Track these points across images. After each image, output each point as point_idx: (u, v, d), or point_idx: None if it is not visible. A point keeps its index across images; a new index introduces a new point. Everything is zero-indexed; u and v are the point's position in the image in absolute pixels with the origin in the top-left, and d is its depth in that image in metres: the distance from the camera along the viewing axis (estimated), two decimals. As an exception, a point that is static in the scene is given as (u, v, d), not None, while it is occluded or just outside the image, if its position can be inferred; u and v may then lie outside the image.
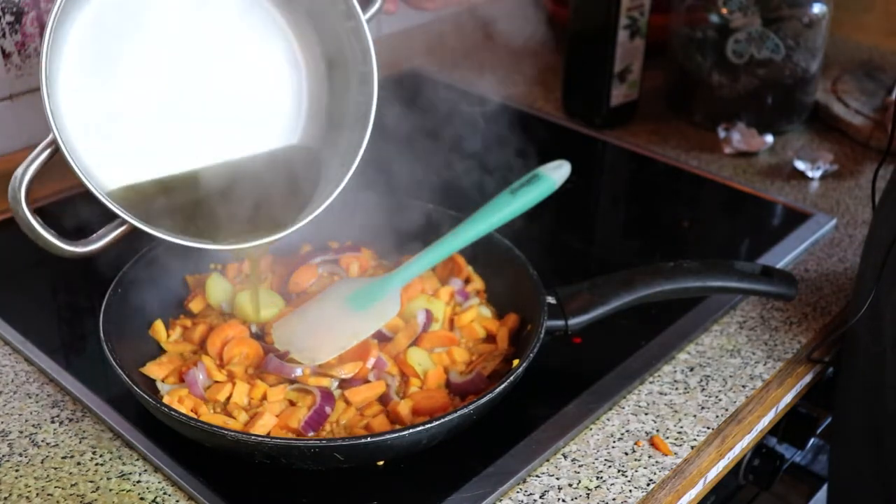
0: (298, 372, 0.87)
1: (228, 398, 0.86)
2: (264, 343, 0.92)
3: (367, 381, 0.88)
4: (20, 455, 0.84)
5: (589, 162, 1.40)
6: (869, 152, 1.37)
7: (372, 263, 1.04)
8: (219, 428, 0.78)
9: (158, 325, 0.93)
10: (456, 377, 0.89)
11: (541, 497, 0.82)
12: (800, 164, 1.32)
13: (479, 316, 0.97)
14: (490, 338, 0.95)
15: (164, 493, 0.81)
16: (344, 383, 0.88)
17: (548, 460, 0.85)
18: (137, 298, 0.94)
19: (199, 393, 0.86)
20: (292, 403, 0.85)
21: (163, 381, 0.88)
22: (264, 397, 0.86)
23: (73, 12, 0.79)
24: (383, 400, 0.87)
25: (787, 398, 0.97)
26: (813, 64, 1.40)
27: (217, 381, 0.88)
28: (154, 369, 0.88)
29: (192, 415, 0.83)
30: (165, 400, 0.84)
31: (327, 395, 0.85)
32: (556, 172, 1.00)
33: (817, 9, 1.35)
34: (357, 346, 0.89)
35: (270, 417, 0.83)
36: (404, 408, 0.85)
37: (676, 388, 0.94)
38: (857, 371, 1.00)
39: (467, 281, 1.01)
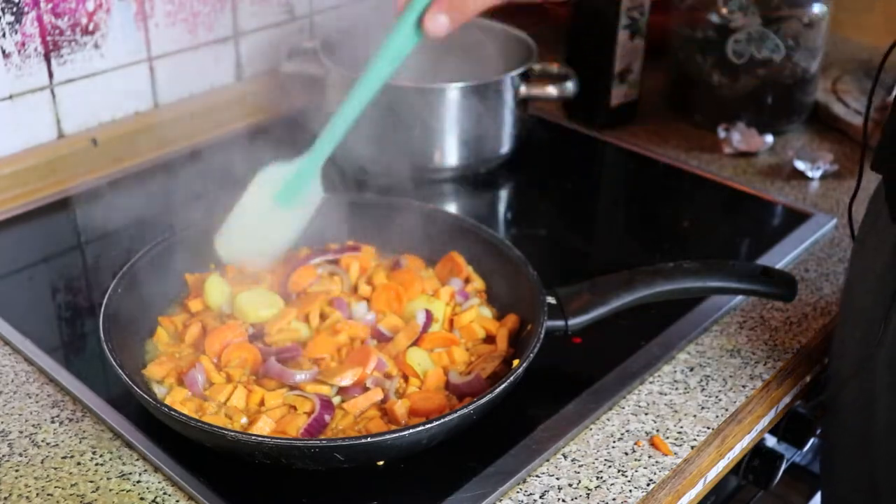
0: (299, 377, 0.87)
1: (228, 398, 0.86)
2: (263, 346, 0.91)
3: (365, 389, 0.87)
4: (20, 455, 0.84)
5: (589, 162, 1.40)
6: (869, 152, 1.36)
7: (372, 263, 1.03)
8: (219, 428, 0.78)
9: (161, 333, 0.94)
10: (455, 378, 0.89)
11: (541, 497, 0.82)
12: (800, 164, 1.32)
13: (478, 316, 0.97)
14: (489, 338, 0.95)
15: (164, 493, 0.81)
16: (342, 391, 0.87)
17: (548, 460, 0.85)
18: (138, 298, 0.94)
19: (200, 393, 0.86)
20: (292, 408, 0.85)
21: (161, 381, 0.88)
22: (262, 403, 0.86)
23: None
24: (380, 400, 0.87)
25: (787, 398, 0.97)
26: (813, 64, 1.40)
27: (215, 383, 0.88)
28: (154, 370, 0.88)
29: (194, 415, 0.83)
30: (167, 401, 0.84)
31: (327, 404, 0.85)
32: None
33: (817, 9, 1.35)
34: (357, 350, 0.90)
35: (269, 422, 0.83)
36: (401, 408, 0.85)
37: (676, 388, 0.94)
38: (843, 410, 0.95)
39: (467, 281, 1.01)
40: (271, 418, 0.83)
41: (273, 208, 0.93)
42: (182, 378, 0.87)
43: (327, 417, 0.84)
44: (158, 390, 0.87)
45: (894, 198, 0.85)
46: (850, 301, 0.94)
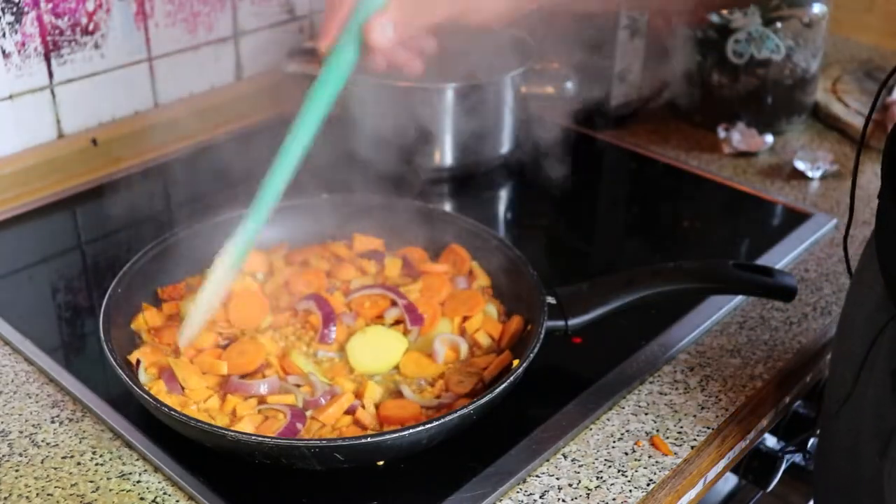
0: (261, 389, 0.86)
1: (205, 401, 0.85)
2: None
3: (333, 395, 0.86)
4: (20, 455, 0.84)
5: (589, 162, 1.40)
6: (869, 152, 1.37)
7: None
8: (219, 428, 0.78)
9: (141, 320, 0.93)
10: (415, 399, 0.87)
11: (541, 497, 0.82)
12: (800, 164, 1.32)
13: (485, 319, 0.95)
14: (494, 343, 0.94)
15: (164, 493, 0.81)
16: (309, 403, 0.85)
17: (548, 460, 0.85)
18: (138, 298, 0.94)
19: (179, 391, 0.85)
20: (266, 418, 0.84)
21: (146, 369, 0.87)
22: (234, 413, 0.85)
23: None
24: (349, 410, 0.85)
25: (787, 398, 0.97)
26: (813, 64, 1.40)
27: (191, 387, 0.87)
28: (139, 355, 0.88)
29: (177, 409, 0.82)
30: (150, 389, 0.83)
31: (298, 414, 0.83)
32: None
33: (817, 9, 1.35)
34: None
35: (248, 425, 0.82)
36: (366, 416, 0.84)
37: (676, 388, 0.94)
38: (832, 448, 0.91)
39: (470, 274, 1.01)
40: (252, 423, 0.83)
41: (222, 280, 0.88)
42: (161, 375, 0.86)
43: (299, 426, 0.83)
44: (142, 376, 0.86)
45: (882, 237, 0.79)
46: (841, 336, 0.90)
